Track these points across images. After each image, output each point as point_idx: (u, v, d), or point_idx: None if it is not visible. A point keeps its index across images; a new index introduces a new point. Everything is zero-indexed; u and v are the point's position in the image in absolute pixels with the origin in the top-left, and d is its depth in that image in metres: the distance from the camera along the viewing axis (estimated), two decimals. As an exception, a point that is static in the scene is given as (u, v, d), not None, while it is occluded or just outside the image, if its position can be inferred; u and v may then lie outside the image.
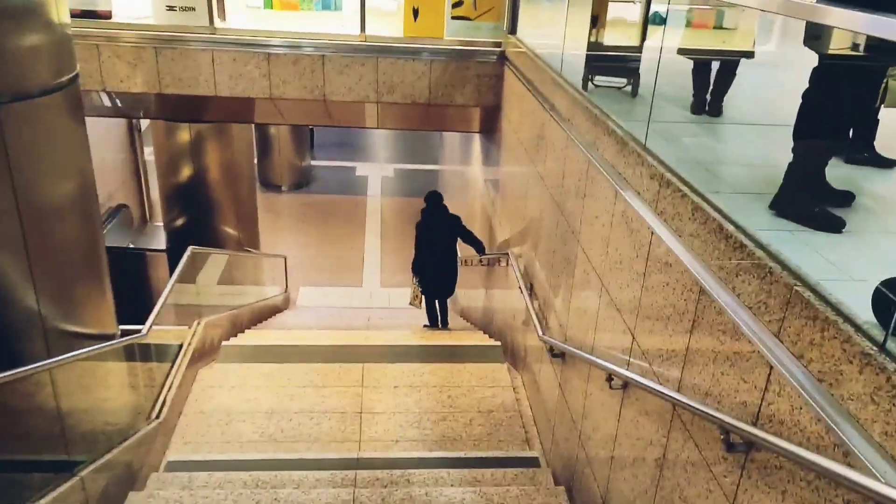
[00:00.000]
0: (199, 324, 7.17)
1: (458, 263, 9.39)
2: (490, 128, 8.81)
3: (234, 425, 6.01)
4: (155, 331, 5.92)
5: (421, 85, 7.84)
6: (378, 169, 20.67)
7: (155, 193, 13.73)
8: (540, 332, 5.63)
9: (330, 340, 7.84)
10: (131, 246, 14.18)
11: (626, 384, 3.71)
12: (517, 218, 7.08)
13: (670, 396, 3.02)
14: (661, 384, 3.21)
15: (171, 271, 7.84)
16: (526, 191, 6.58)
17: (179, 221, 10.98)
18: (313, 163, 20.01)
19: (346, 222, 17.15)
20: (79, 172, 4.58)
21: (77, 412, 5.04)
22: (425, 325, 9.73)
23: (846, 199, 3.21)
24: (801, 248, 2.73)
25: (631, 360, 3.67)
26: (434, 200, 8.82)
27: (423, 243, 8.95)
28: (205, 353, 7.24)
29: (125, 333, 5.57)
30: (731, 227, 2.61)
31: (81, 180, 4.63)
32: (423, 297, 9.32)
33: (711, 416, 2.59)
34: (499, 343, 7.81)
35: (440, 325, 9.70)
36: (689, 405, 2.79)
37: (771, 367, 2.28)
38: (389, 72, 7.76)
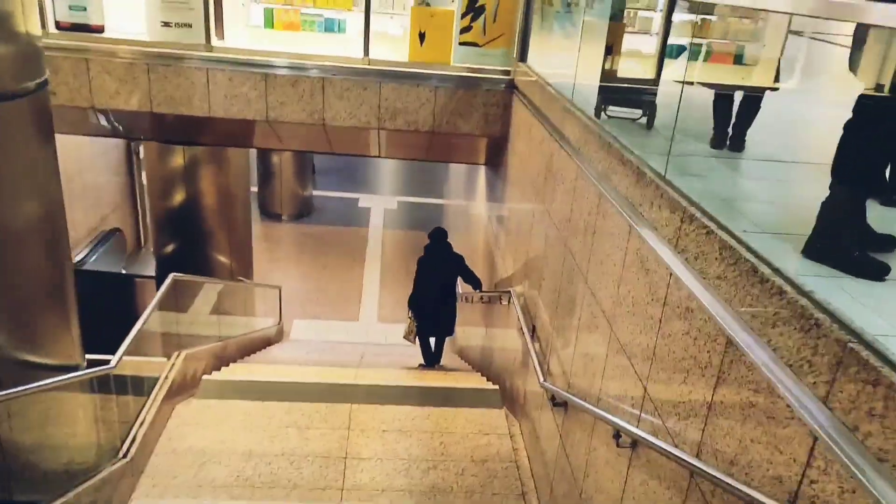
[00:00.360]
0: (178, 356, 6.80)
1: (458, 304, 9.18)
2: (496, 160, 8.51)
3: (208, 467, 5.62)
4: (129, 362, 5.57)
5: (425, 112, 7.55)
6: (381, 201, 20.48)
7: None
8: (541, 378, 5.28)
9: (318, 377, 7.47)
10: (123, 272, 13.87)
11: (636, 442, 3.35)
12: (521, 254, 6.76)
13: (688, 462, 2.66)
14: (676, 446, 2.85)
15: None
16: (531, 226, 6.26)
17: (169, 248, 10.64)
18: (315, 192, 19.82)
19: (346, 254, 16.94)
20: (44, 191, 4.26)
21: (34, 449, 4.68)
22: (420, 365, 9.48)
23: (888, 244, 2.87)
24: (840, 296, 2.38)
25: (642, 415, 3.31)
26: (438, 237, 8.69)
27: (422, 279, 8.79)
28: (185, 387, 6.87)
29: (93, 364, 5.22)
30: (767, 270, 2.27)
31: (47, 200, 4.31)
32: (416, 333, 9.07)
33: (738, 490, 2.23)
34: (497, 387, 7.43)
35: (434, 364, 9.43)
36: (711, 474, 2.43)
37: (815, 439, 1.93)
38: (392, 97, 7.47)
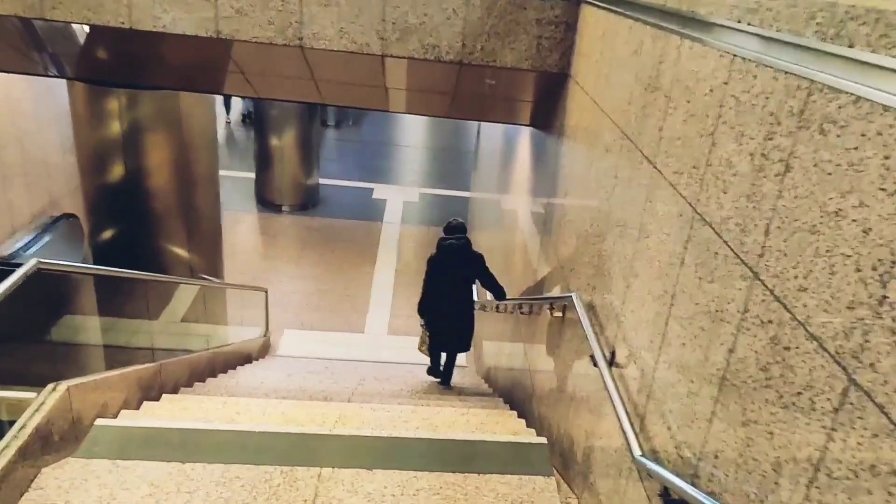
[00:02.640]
0: (54, 389, 4.63)
1: (475, 312, 8.34)
2: (547, 114, 6.41)
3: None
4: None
5: (451, 30, 5.46)
6: (400, 192, 18.73)
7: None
8: (636, 451, 3.19)
9: (280, 421, 5.37)
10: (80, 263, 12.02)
11: None
12: (590, 239, 4.64)
13: None
14: None
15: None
16: (610, 192, 4.16)
17: (107, 235, 8.65)
18: (322, 181, 18.03)
19: (356, 253, 15.37)
20: None
21: None
22: (429, 373, 8.95)
23: None
24: None
25: None
26: (455, 231, 7.84)
27: (434, 282, 7.97)
28: (71, 438, 4.74)
29: None
30: None
31: None
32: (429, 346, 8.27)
33: None
34: (544, 440, 5.23)
35: (445, 383, 8.80)
36: None
37: None
38: (404, 5, 5.39)
